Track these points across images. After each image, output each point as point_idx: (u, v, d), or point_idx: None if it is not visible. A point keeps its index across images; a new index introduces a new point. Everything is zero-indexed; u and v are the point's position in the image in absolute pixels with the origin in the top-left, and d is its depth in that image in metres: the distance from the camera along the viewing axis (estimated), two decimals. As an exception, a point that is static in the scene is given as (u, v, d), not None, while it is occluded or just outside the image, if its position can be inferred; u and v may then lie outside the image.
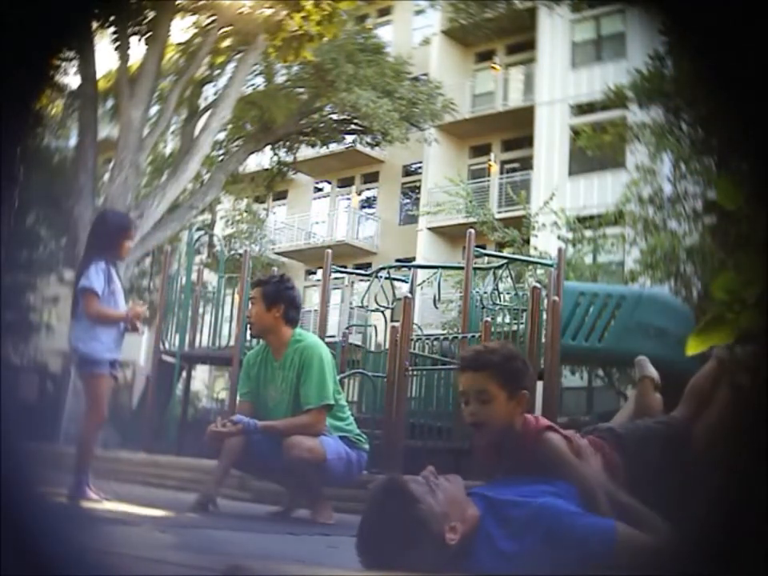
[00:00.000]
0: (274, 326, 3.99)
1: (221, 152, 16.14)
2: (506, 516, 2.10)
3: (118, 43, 11.31)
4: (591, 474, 2.38)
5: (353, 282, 21.99)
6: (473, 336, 6.65)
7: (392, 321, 7.62)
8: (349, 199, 24.70)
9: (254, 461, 3.97)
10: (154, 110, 12.32)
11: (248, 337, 7.77)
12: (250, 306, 4.05)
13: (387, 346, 6.55)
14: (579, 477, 2.34)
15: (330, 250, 7.83)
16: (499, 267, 8.07)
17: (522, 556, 2.04)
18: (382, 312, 8.28)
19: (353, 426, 4.08)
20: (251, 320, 4.05)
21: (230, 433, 3.75)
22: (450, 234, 20.47)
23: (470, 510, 2.12)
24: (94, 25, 10.34)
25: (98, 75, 11.34)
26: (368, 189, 24.75)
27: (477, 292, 7.53)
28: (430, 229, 20.89)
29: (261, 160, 19.98)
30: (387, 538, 2.06)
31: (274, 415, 3.95)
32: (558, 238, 13.92)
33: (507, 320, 7.56)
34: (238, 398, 4.28)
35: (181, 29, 13.21)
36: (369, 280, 8.70)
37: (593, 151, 14.79)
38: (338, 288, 21.77)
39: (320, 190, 25.80)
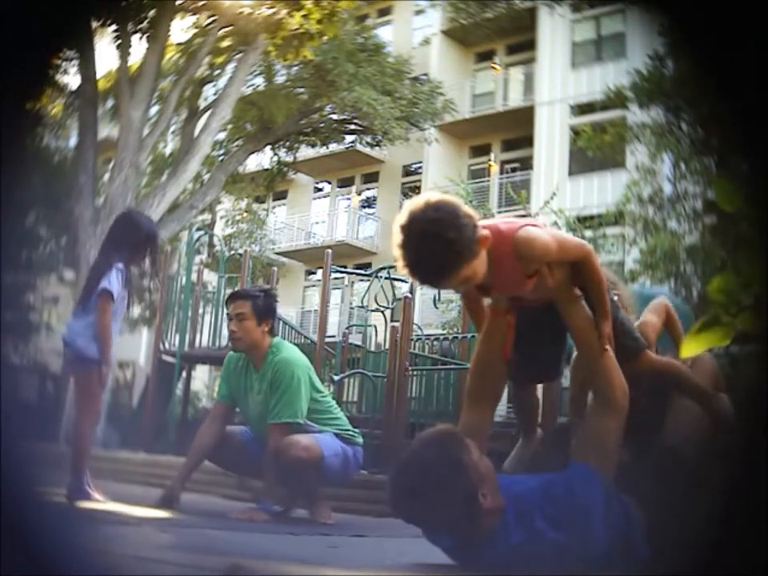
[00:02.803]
0: (261, 340, 3.94)
1: (221, 152, 16.14)
2: (523, 510, 2.13)
3: (118, 42, 11.31)
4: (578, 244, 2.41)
5: (353, 282, 22.00)
6: (473, 336, 6.65)
7: (392, 321, 7.62)
8: (349, 199, 24.70)
9: (249, 462, 3.99)
10: (154, 110, 12.31)
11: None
12: (235, 320, 3.89)
13: (387, 346, 6.55)
14: (572, 251, 2.36)
15: (329, 250, 7.83)
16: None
17: (534, 547, 2.07)
18: (382, 312, 8.28)
19: (344, 422, 4.07)
20: (239, 335, 3.90)
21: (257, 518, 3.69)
22: (449, 234, 20.42)
23: (499, 497, 2.16)
24: (94, 24, 10.33)
25: (98, 75, 11.34)
26: (368, 189, 24.74)
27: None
28: (429, 229, 20.86)
29: (261, 160, 19.98)
30: (429, 474, 2.10)
31: (258, 423, 3.95)
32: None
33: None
34: (216, 397, 4.23)
35: (181, 29, 13.22)
36: (369, 280, 8.71)
37: (593, 151, 14.78)
38: (338, 288, 21.78)
39: (320, 189, 25.80)
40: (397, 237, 2.14)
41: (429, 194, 2.20)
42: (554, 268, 2.37)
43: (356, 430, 4.10)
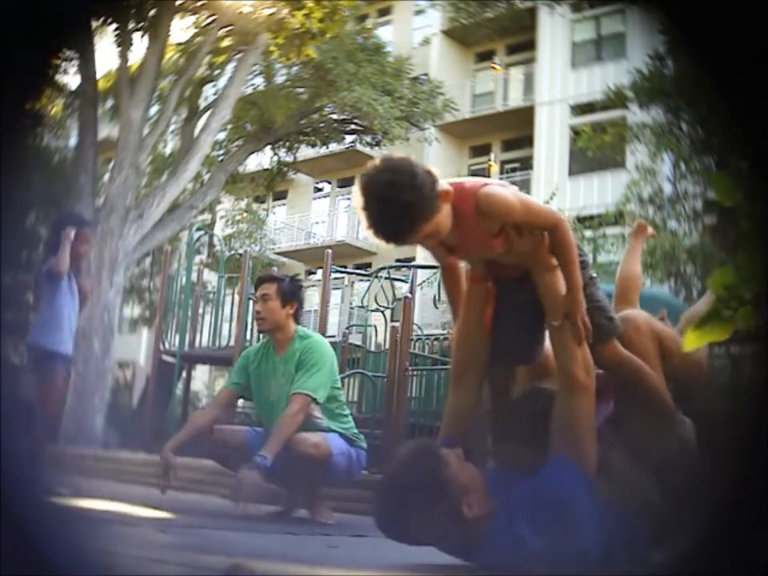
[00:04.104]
0: (285, 322, 4.02)
1: (221, 152, 16.14)
2: (513, 511, 2.10)
3: (118, 42, 11.31)
4: (547, 212, 2.33)
5: (353, 282, 21.99)
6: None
7: (392, 321, 7.62)
8: (349, 199, 24.70)
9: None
10: (154, 110, 12.31)
11: (247, 337, 7.77)
12: (260, 301, 4.01)
13: (387, 346, 6.55)
14: (540, 216, 2.29)
15: (329, 250, 7.83)
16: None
17: (539, 543, 2.03)
18: (382, 312, 8.28)
19: (351, 424, 4.10)
20: (263, 315, 4.00)
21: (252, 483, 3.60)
22: (450, 234, 20.47)
23: (487, 500, 2.11)
24: (94, 24, 10.33)
25: (98, 75, 11.34)
26: (368, 189, 24.74)
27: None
28: (430, 229, 20.87)
29: (261, 160, 19.97)
30: (407, 494, 2.07)
31: (276, 408, 3.95)
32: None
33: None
34: (224, 384, 4.25)
35: (181, 28, 13.21)
36: (369, 280, 8.71)
37: (593, 151, 14.79)
38: (338, 288, 21.77)
39: (320, 190, 25.80)
40: (358, 200, 2.18)
41: (384, 156, 2.20)
42: (524, 232, 2.30)
43: (361, 435, 4.13)
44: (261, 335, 5.25)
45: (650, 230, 3.62)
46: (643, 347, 2.48)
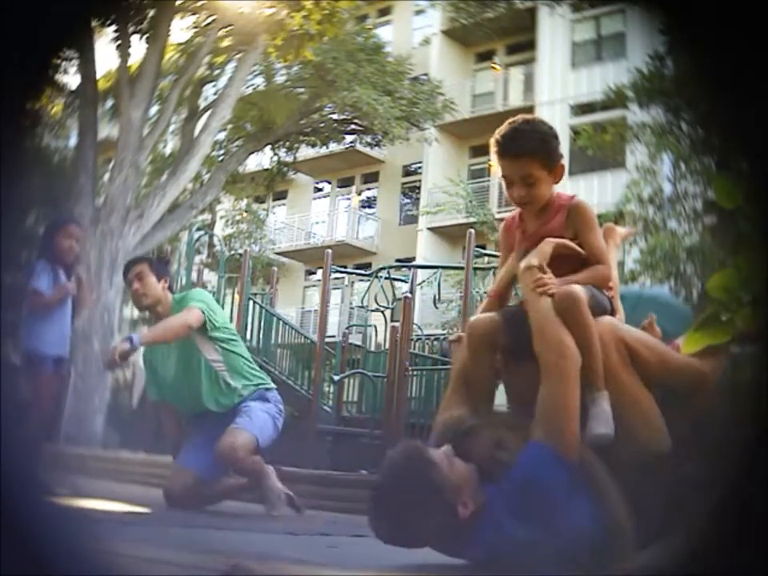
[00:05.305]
0: (163, 295, 4.08)
1: (221, 152, 16.14)
2: (499, 502, 2.09)
3: (118, 42, 11.31)
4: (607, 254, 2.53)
5: (353, 282, 22.00)
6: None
7: (392, 321, 7.63)
8: (349, 199, 24.70)
9: (216, 488, 4.07)
10: (154, 110, 12.31)
11: (247, 336, 7.77)
12: (137, 281, 4.03)
13: (387, 346, 6.56)
14: (599, 245, 2.50)
15: (329, 250, 7.84)
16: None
17: (528, 538, 2.01)
18: (382, 312, 8.29)
19: (260, 375, 4.16)
20: (142, 291, 4.03)
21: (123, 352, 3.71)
22: (449, 234, 20.47)
23: (478, 495, 2.09)
24: (94, 24, 10.33)
25: (98, 75, 11.34)
26: (368, 189, 24.75)
27: (477, 292, 7.53)
28: (429, 229, 20.88)
29: (261, 160, 19.98)
30: (402, 501, 2.05)
31: (183, 380, 4.00)
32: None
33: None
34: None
35: (181, 29, 13.22)
36: (369, 280, 8.71)
37: (593, 151, 14.79)
38: (337, 288, 21.78)
39: (320, 189, 25.81)
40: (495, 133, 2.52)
41: None
42: (575, 254, 2.46)
43: (265, 377, 4.18)
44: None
45: (623, 232, 3.60)
46: (604, 356, 2.38)
